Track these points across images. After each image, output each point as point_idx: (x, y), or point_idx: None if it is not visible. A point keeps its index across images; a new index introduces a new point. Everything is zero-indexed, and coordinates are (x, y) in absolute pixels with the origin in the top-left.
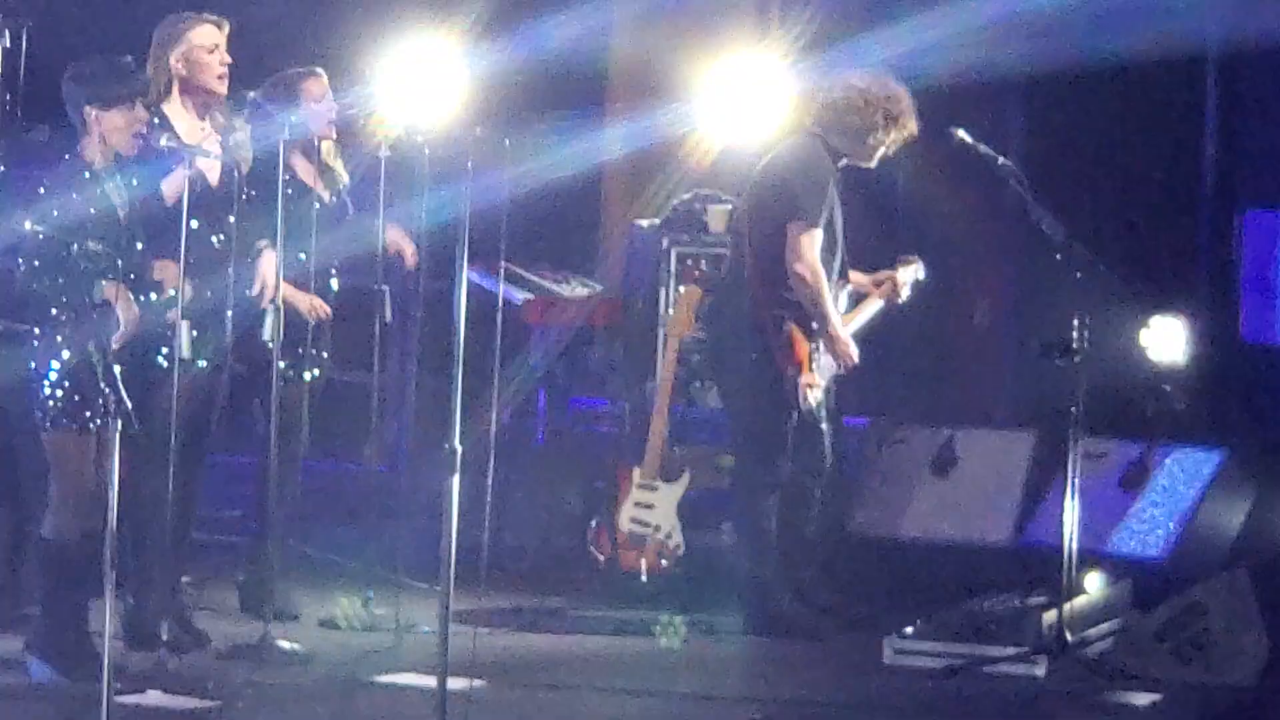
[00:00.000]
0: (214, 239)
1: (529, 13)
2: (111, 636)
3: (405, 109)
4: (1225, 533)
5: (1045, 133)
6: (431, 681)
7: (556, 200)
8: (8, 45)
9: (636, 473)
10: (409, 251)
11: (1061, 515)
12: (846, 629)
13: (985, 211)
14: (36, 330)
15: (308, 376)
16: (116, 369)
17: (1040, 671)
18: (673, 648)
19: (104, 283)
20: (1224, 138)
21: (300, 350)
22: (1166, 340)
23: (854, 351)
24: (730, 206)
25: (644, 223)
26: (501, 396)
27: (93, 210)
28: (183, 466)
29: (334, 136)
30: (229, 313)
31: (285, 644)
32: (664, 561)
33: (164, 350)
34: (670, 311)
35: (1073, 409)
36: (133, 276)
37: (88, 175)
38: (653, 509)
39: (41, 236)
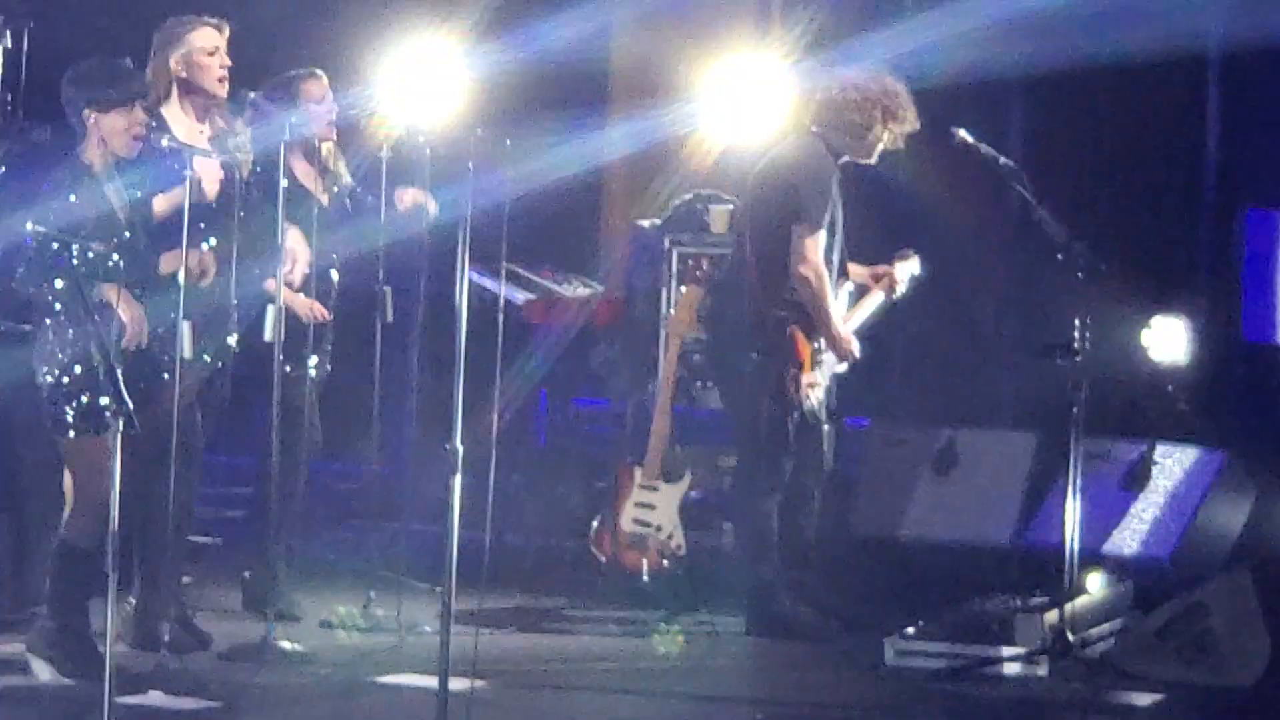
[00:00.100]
0: (211, 241)
1: (530, 13)
2: (113, 637)
3: (406, 109)
4: (1227, 533)
5: (1046, 132)
6: (433, 682)
7: (558, 201)
8: (8, 46)
9: (638, 473)
10: (431, 206)
11: (1063, 515)
12: (848, 630)
13: (986, 211)
14: (40, 333)
15: (313, 373)
16: (118, 370)
17: (1042, 672)
18: (670, 655)
19: (104, 285)
20: (1225, 137)
21: (301, 352)
22: (1168, 340)
23: (856, 349)
24: (731, 207)
25: (645, 223)
26: (503, 397)
27: (92, 213)
28: (183, 467)
29: (334, 137)
30: (233, 315)
31: (286, 645)
32: (665, 562)
33: (164, 351)
34: (671, 311)
35: (1074, 409)
36: (134, 278)
37: (87, 178)
38: (654, 509)
39: (42, 238)
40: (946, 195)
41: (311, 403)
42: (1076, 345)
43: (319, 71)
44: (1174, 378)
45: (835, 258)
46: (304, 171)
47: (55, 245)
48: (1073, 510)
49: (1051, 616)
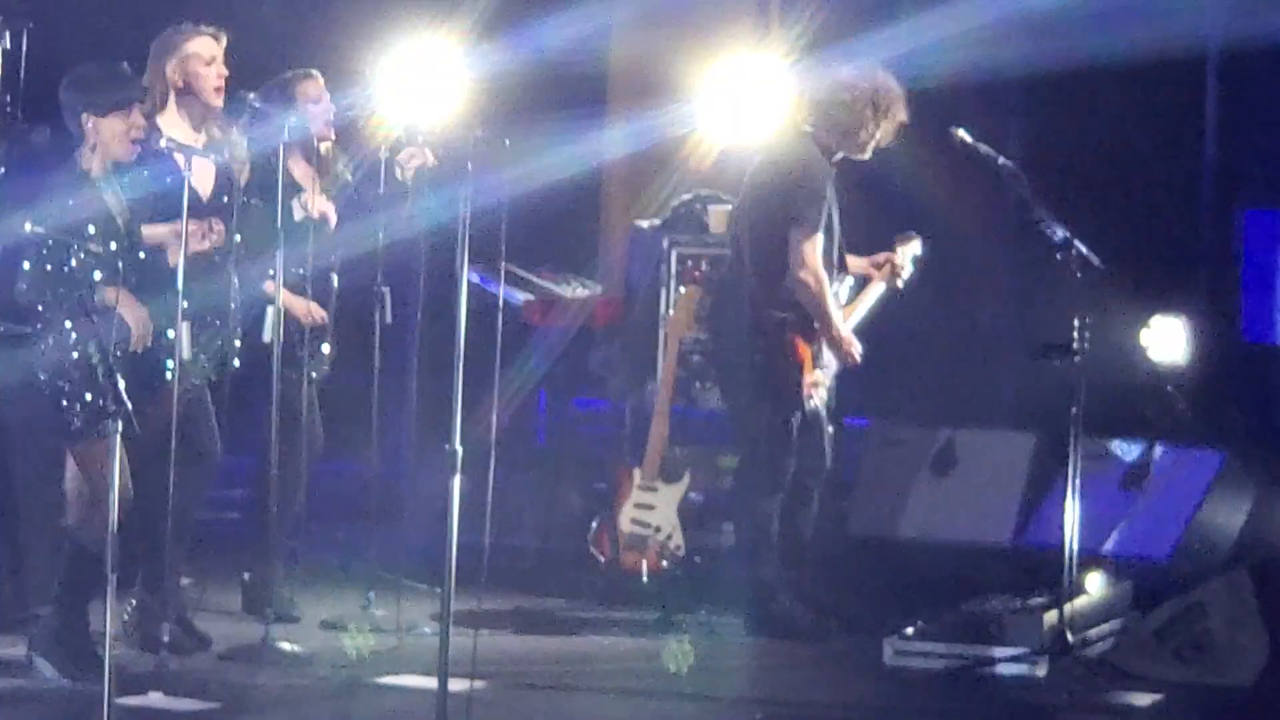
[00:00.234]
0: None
1: (529, 14)
2: (113, 638)
3: (406, 110)
4: (1226, 533)
5: (1046, 132)
6: (432, 683)
7: (557, 201)
8: (7, 47)
9: (637, 474)
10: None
11: (1062, 516)
12: (847, 630)
13: (985, 212)
14: (41, 337)
15: (313, 375)
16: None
17: (1041, 672)
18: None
19: (104, 287)
20: (1224, 137)
21: (300, 354)
22: (1167, 340)
23: (858, 350)
24: (730, 207)
25: (644, 223)
26: (502, 397)
27: (91, 216)
28: (194, 472)
29: (332, 137)
30: (234, 317)
31: (286, 646)
32: (664, 562)
33: (166, 353)
34: (671, 312)
35: (1073, 409)
36: (134, 280)
37: (86, 182)
38: (653, 510)
39: (41, 242)
40: (946, 195)
41: (312, 404)
42: (1076, 345)
43: (315, 71)
44: (1173, 378)
45: (834, 256)
46: (303, 172)
47: (55, 249)
48: (1072, 510)
49: (1050, 616)
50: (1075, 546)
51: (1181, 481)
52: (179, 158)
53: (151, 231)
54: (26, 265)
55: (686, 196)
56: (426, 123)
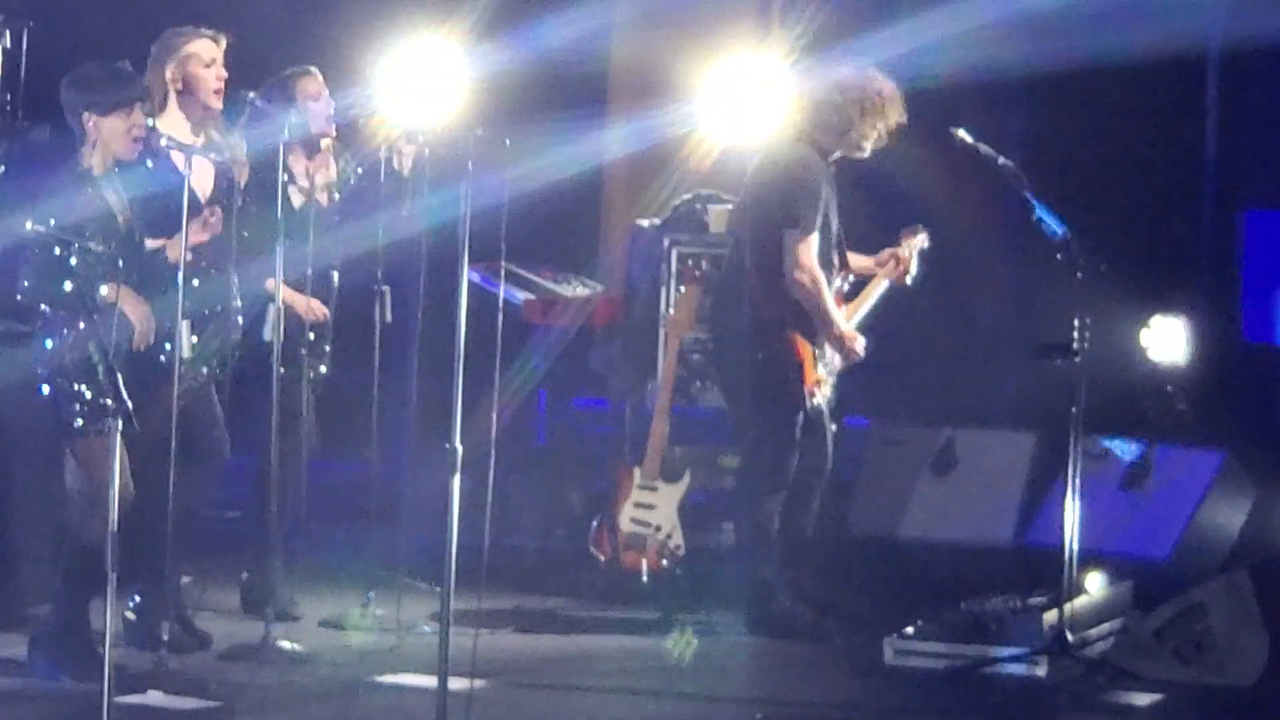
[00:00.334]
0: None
1: (530, 13)
2: (112, 637)
3: (406, 109)
4: (1226, 533)
5: (1046, 133)
6: (432, 682)
7: (557, 201)
8: (8, 46)
9: (637, 473)
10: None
11: (1062, 515)
12: (847, 629)
13: (986, 212)
14: (41, 335)
15: (311, 375)
16: (117, 370)
17: (1041, 672)
18: (684, 658)
19: (105, 285)
20: (1225, 137)
21: (302, 351)
22: (1167, 340)
23: (861, 346)
24: (731, 207)
25: (645, 223)
26: (502, 397)
27: (92, 214)
28: (198, 471)
29: (333, 134)
30: (235, 316)
31: (286, 644)
32: (665, 562)
33: (167, 351)
34: (671, 311)
35: (1073, 409)
36: (135, 278)
37: (87, 180)
38: (653, 509)
39: (42, 241)
40: (946, 195)
41: (309, 403)
42: (1076, 345)
43: (312, 69)
44: (1173, 378)
45: (834, 256)
46: (304, 170)
47: (57, 249)
48: (1072, 510)
49: (1051, 616)
50: (1075, 546)
51: (1182, 481)
52: (178, 156)
53: (154, 243)
54: (28, 264)
55: (687, 196)
56: (426, 123)
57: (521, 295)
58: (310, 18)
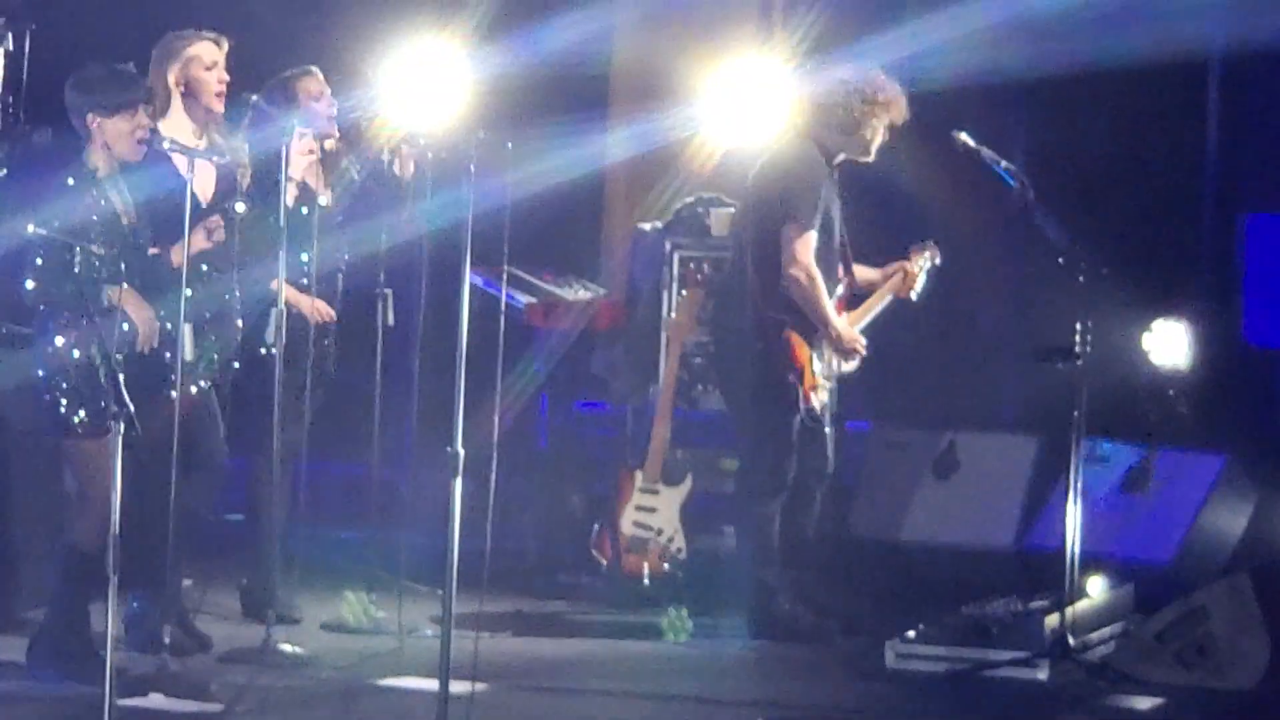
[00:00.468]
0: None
1: (531, 16)
2: (113, 640)
3: (408, 112)
4: (1228, 537)
5: (1048, 136)
6: (433, 685)
7: (559, 204)
8: (10, 48)
9: (639, 476)
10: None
11: (1064, 519)
12: (849, 633)
13: (987, 215)
14: (42, 336)
15: (318, 374)
16: (119, 373)
17: (1043, 675)
18: (679, 643)
19: (108, 287)
20: (1226, 141)
21: (305, 349)
22: (1169, 344)
23: (862, 345)
24: (733, 210)
25: (647, 226)
26: (504, 400)
27: (96, 216)
28: (200, 477)
29: (336, 134)
30: (237, 319)
31: (287, 647)
32: (666, 565)
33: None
34: (673, 315)
35: (1075, 413)
36: (138, 281)
37: (92, 182)
38: (655, 512)
39: (45, 242)
40: (948, 199)
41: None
42: (1077, 349)
43: (314, 69)
44: (1175, 381)
45: (835, 259)
46: (308, 171)
47: (60, 250)
48: (1073, 513)
49: (1052, 620)
50: (1077, 549)
51: (1183, 485)
52: (180, 159)
53: (154, 250)
54: (30, 266)
55: (689, 199)
56: (428, 125)
57: (523, 298)
58: (312, 20)
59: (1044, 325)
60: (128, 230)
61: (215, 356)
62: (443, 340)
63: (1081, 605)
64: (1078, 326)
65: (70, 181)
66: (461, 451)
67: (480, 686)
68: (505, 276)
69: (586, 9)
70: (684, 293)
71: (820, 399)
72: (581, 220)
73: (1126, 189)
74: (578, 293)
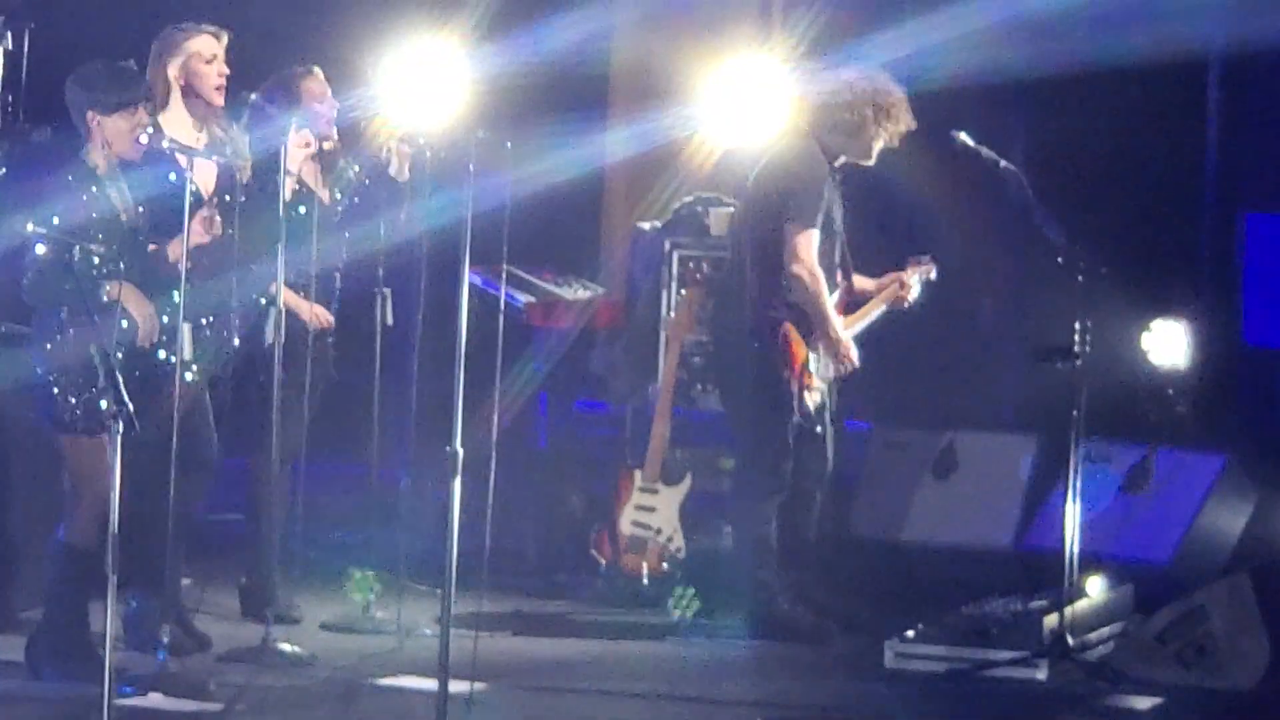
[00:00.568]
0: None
1: (531, 16)
2: (112, 639)
3: (407, 112)
4: (1227, 536)
5: (1047, 136)
6: (432, 684)
7: (558, 203)
8: (9, 47)
9: (638, 476)
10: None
11: (1063, 519)
12: (848, 632)
13: (987, 215)
14: (41, 334)
15: (318, 375)
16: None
17: (1042, 675)
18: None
19: (108, 285)
20: (1226, 140)
21: (303, 350)
22: (1168, 344)
23: (854, 354)
24: (732, 209)
25: (646, 225)
26: (503, 399)
27: (95, 214)
28: (192, 476)
29: (335, 135)
30: (234, 318)
31: (286, 647)
32: (665, 565)
33: (168, 351)
34: (672, 314)
35: (1074, 412)
36: (138, 278)
37: (92, 180)
38: (654, 512)
39: (44, 240)
40: (947, 199)
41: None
42: (1077, 348)
43: (315, 68)
44: (1174, 381)
45: (835, 260)
46: (307, 170)
47: (59, 248)
48: (1073, 513)
49: (1051, 620)
50: (1076, 549)
51: (1182, 485)
52: (181, 159)
53: (152, 248)
54: (30, 265)
55: (688, 199)
56: (428, 125)
57: (523, 298)
58: (311, 19)
59: (1043, 325)
60: (127, 228)
61: (210, 357)
62: (442, 340)
63: (1081, 605)
64: (1077, 326)
65: (70, 179)
66: (460, 451)
67: (479, 686)
68: (504, 276)
69: (586, 9)
70: (683, 292)
71: (815, 400)
72: (581, 220)
73: (1126, 188)
74: (577, 292)
